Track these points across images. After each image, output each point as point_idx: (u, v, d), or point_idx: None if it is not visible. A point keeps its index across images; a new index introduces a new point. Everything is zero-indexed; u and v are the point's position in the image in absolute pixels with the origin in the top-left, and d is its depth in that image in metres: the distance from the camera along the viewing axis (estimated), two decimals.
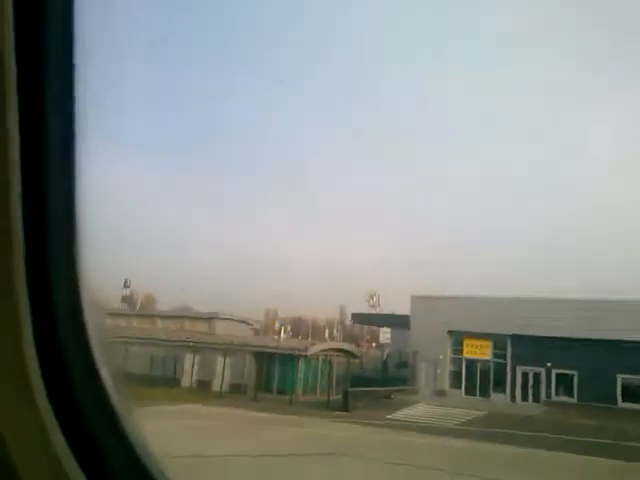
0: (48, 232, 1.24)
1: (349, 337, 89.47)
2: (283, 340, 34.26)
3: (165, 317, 38.92)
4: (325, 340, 60.92)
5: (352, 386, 29.67)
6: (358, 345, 77.80)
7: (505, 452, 19.02)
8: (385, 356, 43.08)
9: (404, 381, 33.55)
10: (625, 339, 28.73)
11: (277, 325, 61.59)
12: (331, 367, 32.04)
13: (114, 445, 1.27)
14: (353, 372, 33.99)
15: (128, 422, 1.30)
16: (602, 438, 21.79)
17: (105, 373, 1.28)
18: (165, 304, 70.33)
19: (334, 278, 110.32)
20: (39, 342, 1.19)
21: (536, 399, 31.54)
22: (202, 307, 46.30)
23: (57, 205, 1.26)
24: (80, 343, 1.27)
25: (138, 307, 57.86)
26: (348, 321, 70.76)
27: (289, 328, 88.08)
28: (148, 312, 44.92)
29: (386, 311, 44.13)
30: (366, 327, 76.08)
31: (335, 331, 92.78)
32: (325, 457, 16.50)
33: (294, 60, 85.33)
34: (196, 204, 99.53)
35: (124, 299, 62.58)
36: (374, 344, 77.01)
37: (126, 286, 64.05)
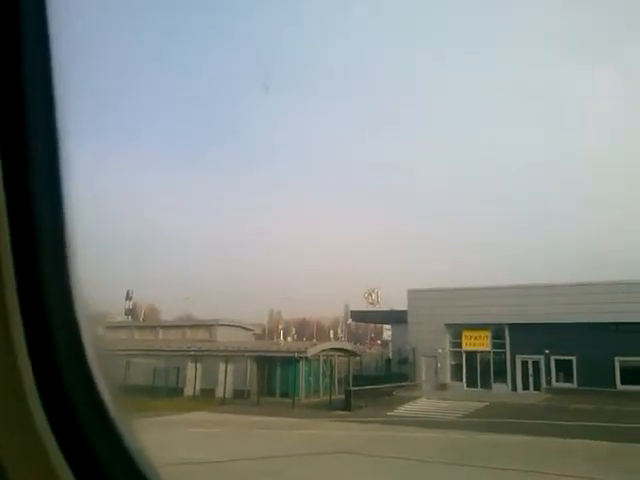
0: (38, 242, 1.22)
1: (354, 336, 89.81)
2: (283, 343, 34.51)
3: (166, 327, 39.13)
4: (330, 340, 61.20)
5: (354, 385, 29.82)
6: (362, 343, 78.23)
7: (505, 441, 19.21)
8: (390, 353, 43.16)
9: (405, 377, 33.70)
10: (621, 322, 28.93)
11: (281, 329, 61.87)
12: (332, 367, 32.22)
13: (112, 456, 1.27)
14: (355, 371, 34.13)
15: (126, 433, 1.29)
16: (601, 421, 21.97)
17: (102, 385, 1.27)
18: (168, 314, 70.59)
19: (337, 276, 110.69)
20: (34, 356, 1.18)
21: (537, 387, 31.69)
22: (206, 314, 46.59)
23: (46, 213, 1.23)
24: (76, 355, 1.25)
25: (142, 318, 58.11)
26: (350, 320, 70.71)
27: (294, 331, 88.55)
28: (149, 323, 45.13)
29: (386, 307, 44.04)
30: (372, 325, 76.02)
31: (340, 331, 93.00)
32: (327, 456, 16.71)
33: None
34: (197, 205, 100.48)
35: (127, 311, 62.83)
36: (379, 341, 77.16)
37: (128, 298, 64.32)
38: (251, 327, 39.72)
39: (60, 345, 1.24)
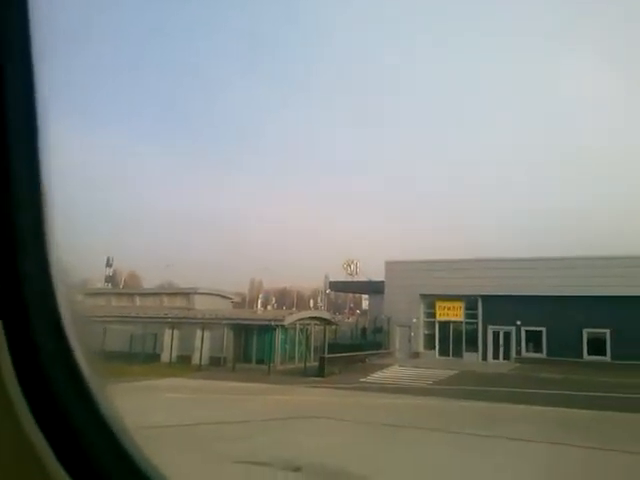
0: (14, 208, 1.20)
1: (334, 306, 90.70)
2: (261, 311, 34.81)
3: (144, 294, 39.15)
4: (310, 309, 61.78)
5: (329, 353, 30.28)
6: (341, 313, 79.09)
7: (473, 407, 19.74)
8: (367, 322, 43.75)
9: (380, 346, 34.29)
10: (590, 295, 29.67)
11: (261, 298, 62.27)
12: (308, 335, 32.67)
13: (87, 422, 1.24)
14: (331, 339, 34.58)
15: (101, 399, 1.27)
16: (567, 390, 22.63)
17: (79, 351, 1.24)
18: (150, 282, 70.77)
19: (319, 247, 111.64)
20: (8, 323, 1.16)
21: (507, 356, 32.55)
22: (187, 282, 46.98)
23: (22, 180, 1.21)
24: (52, 322, 1.22)
25: (122, 285, 57.96)
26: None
27: (274, 300, 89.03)
28: (126, 290, 45.11)
29: (364, 278, 44.44)
30: (351, 295, 76.75)
31: (320, 300, 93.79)
32: (297, 420, 17.07)
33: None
34: (184, 180, 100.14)
35: (107, 278, 62.54)
36: (358, 311, 78.04)
37: (109, 265, 63.95)
38: (229, 295, 39.91)
39: (35, 312, 1.22)
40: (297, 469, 11.29)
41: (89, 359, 1.26)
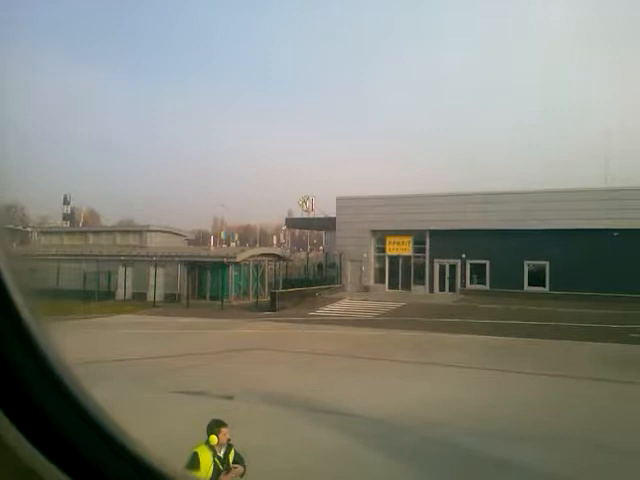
0: None
1: (297, 242, 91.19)
2: (213, 248, 35.09)
3: (97, 232, 38.88)
4: (272, 246, 62.22)
5: (284, 288, 30.94)
6: (304, 249, 79.67)
7: (412, 337, 20.63)
8: (324, 258, 44.45)
9: (332, 280, 35.08)
10: (531, 228, 30.74)
11: (222, 235, 62.32)
12: (261, 271, 33.26)
13: (24, 359, 1.19)
14: (287, 275, 35.24)
15: (39, 335, 1.20)
16: (505, 320, 23.86)
17: (14, 289, 1.17)
18: (110, 219, 69.99)
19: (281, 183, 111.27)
20: None
21: (452, 288, 33.76)
22: (147, 220, 46.72)
23: None
24: None
25: (81, 223, 57.19)
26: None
27: (236, 237, 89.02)
28: (79, 228, 44.65)
29: (321, 215, 44.75)
30: (315, 232, 77.16)
31: (282, 237, 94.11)
32: (239, 352, 17.72)
33: None
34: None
35: (65, 216, 61.51)
36: (320, 247, 78.71)
37: (66, 203, 62.75)
38: (183, 233, 39.94)
39: None
40: (229, 397, 12.00)
41: (26, 298, 1.19)
